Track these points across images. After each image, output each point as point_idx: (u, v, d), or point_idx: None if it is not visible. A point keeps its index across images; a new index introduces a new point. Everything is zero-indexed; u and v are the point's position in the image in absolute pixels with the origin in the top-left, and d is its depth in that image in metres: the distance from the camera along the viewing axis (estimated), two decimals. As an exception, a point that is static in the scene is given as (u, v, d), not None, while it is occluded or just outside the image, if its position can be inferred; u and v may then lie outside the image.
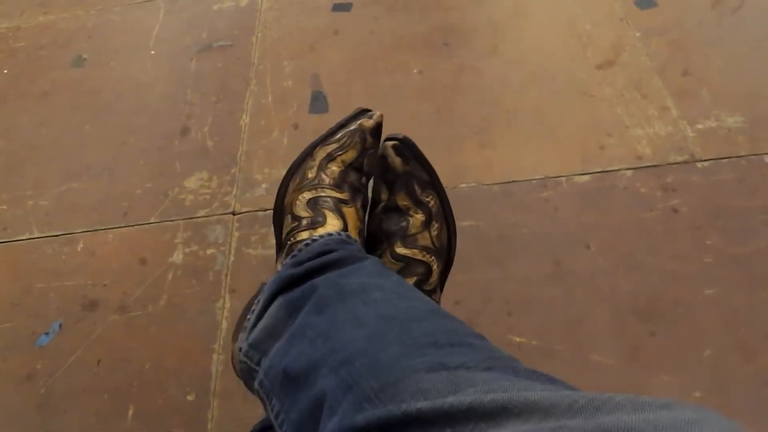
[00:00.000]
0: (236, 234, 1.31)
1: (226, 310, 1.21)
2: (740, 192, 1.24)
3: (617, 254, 1.19)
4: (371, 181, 0.92)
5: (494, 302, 1.16)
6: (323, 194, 0.85)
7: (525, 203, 1.28)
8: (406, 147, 0.87)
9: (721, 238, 1.19)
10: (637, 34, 1.55)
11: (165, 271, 1.28)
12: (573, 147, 1.35)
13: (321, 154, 0.88)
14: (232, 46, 1.71)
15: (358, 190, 0.87)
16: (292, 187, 0.89)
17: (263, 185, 1.38)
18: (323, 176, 0.86)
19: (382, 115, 0.90)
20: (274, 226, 0.89)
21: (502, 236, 1.24)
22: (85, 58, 1.75)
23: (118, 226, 1.36)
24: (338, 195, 0.85)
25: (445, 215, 0.90)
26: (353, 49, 1.65)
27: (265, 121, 1.50)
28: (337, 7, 1.75)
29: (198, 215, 1.35)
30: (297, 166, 0.91)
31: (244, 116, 1.52)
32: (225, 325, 1.18)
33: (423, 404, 0.50)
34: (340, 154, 0.87)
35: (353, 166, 0.87)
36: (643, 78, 1.45)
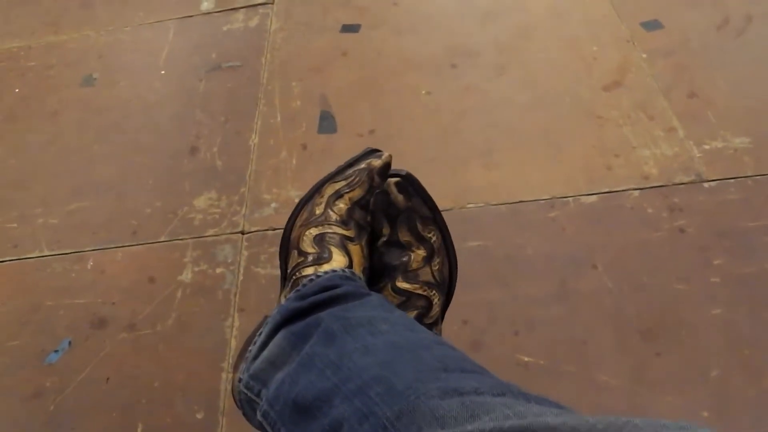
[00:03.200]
0: (245, 253, 1.32)
1: (235, 328, 1.21)
2: (746, 212, 1.25)
3: (623, 274, 1.19)
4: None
5: (501, 322, 1.16)
6: (330, 231, 0.85)
7: (532, 223, 1.29)
8: (408, 183, 0.88)
9: (727, 258, 1.19)
10: (643, 56, 1.56)
11: (174, 290, 1.28)
12: (580, 167, 1.36)
13: (329, 191, 0.89)
14: (242, 67, 1.72)
15: (363, 228, 0.88)
16: (299, 222, 0.89)
17: (272, 205, 1.39)
18: (330, 213, 0.87)
19: (390, 156, 0.90)
20: (280, 260, 0.90)
21: (509, 256, 1.25)
22: (95, 78, 1.77)
23: (127, 244, 1.37)
24: (344, 232, 0.85)
25: (446, 249, 0.91)
26: (361, 70, 1.66)
27: (273, 141, 1.52)
28: (345, 29, 1.77)
29: (207, 234, 1.36)
30: (305, 202, 0.91)
31: (253, 136, 1.53)
32: (234, 344, 1.19)
33: None
34: (348, 192, 0.88)
35: (360, 204, 0.88)
36: (649, 99, 1.46)
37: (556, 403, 0.55)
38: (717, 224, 1.24)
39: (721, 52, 1.54)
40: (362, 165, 0.90)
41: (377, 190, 0.88)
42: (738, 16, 1.61)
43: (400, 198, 0.88)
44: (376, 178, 0.88)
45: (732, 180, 1.30)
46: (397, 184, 0.88)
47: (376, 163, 0.89)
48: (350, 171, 0.90)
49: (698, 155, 1.34)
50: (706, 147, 1.36)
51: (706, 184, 1.30)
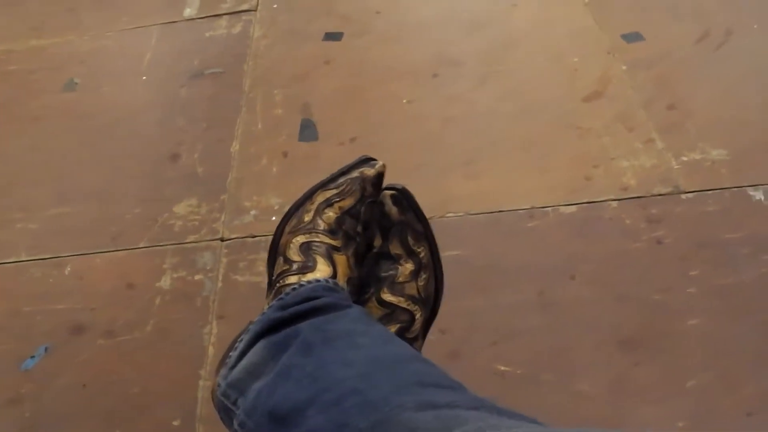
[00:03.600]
0: (224, 260, 1.32)
1: (214, 336, 1.21)
2: (724, 224, 1.26)
3: (602, 285, 1.20)
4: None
5: (480, 331, 1.16)
6: (317, 239, 0.85)
7: (511, 233, 1.29)
8: (404, 197, 0.88)
9: (705, 269, 1.20)
10: (624, 68, 1.57)
11: (153, 296, 1.28)
12: (560, 178, 1.37)
13: (320, 198, 0.89)
14: (224, 74, 1.72)
15: (352, 238, 0.88)
16: (288, 228, 0.89)
17: (252, 212, 1.39)
18: (319, 221, 0.87)
19: (384, 165, 0.91)
20: (268, 265, 0.90)
21: (488, 265, 1.25)
22: (77, 83, 1.76)
23: (106, 250, 1.37)
24: (331, 241, 0.85)
25: (434, 267, 0.91)
26: (344, 78, 1.66)
27: (254, 148, 1.51)
28: (328, 36, 1.77)
29: (187, 241, 1.36)
30: (296, 208, 0.91)
31: (234, 143, 1.53)
32: (212, 351, 1.18)
33: None
34: (338, 201, 0.88)
35: (350, 213, 0.88)
36: (629, 110, 1.47)
37: (530, 418, 0.55)
38: (695, 236, 1.25)
39: (700, 65, 1.55)
40: (355, 174, 0.90)
41: (369, 200, 0.89)
42: (718, 29, 1.62)
43: (394, 210, 0.88)
44: (368, 188, 0.88)
45: (710, 192, 1.31)
46: (392, 196, 0.88)
47: (369, 172, 0.89)
48: (343, 179, 0.90)
49: (676, 167, 1.35)
50: (685, 159, 1.37)
51: (684, 196, 1.31)
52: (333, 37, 1.77)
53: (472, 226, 1.31)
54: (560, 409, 1.07)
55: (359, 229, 0.88)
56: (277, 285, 0.83)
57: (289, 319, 0.75)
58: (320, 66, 1.70)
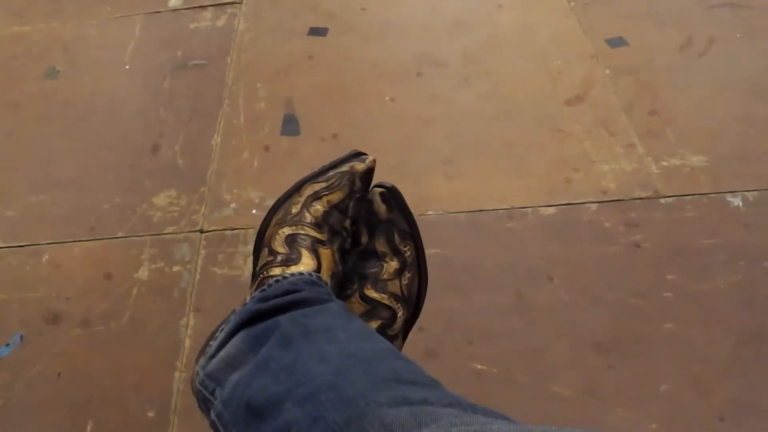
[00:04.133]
0: (203, 252, 1.31)
1: (190, 328, 1.20)
2: (701, 230, 1.27)
3: (579, 287, 1.21)
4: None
5: (456, 330, 1.17)
6: (302, 232, 0.85)
7: (490, 233, 1.30)
8: (392, 196, 0.88)
9: (681, 274, 1.21)
10: (607, 72, 1.58)
11: (130, 287, 1.27)
12: (540, 180, 1.38)
13: (308, 191, 0.89)
14: (207, 66, 1.72)
15: (338, 233, 0.88)
16: (275, 220, 0.89)
17: (232, 205, 1.38)
18: (306, 214, 0.87)
19: (374, 160, 0.91)
20: (254, 255, 0.90)
21: (467, 266, 1.25)
22: (58, 71, 1.75)
23: (84, 239, 1.36)
24: (317, 235, 0.86)
25: (419, 267, 0.91)
26: (327, 74, 1.66)
27: (236, 141, 1.51)
28: (313, 32, 1.77)
29: (165, 232, 1.35)
30: (284, 200, 0.91)
31: (215, 136, 1.53)
32: (188, 343, 1.18)
33: None
34: (327, 194, 0.88)
35: (338, 208, 0.88)
36: (610, 115, 1.48)
37: (503, 415, 0.56)
38: (672, 240, 1.26)
39: (683, 71, 1.56)
40: (345, 168, 0.90)
41: (357, 195, 0.89)
42: (701, 37, 1.64)
43: (382, 208, 0.88)
44: (358, 183, 0.88)
45: (688, 197, 1.32)
46: (381, 194, 0.88)
47: (359, 167, 0.89)
48: (332, 173, 0.90)
49: (656, 171, 1.36)
50: (665, 164, 1.38)
51: (662, 200, 1.32)
52: (318, 32, 1.77)
53: (452, 225, 1.31)
54: (534, 409, 1.07)
55: (347, 224, 0.89)
56: (261, 276, 0.83)
57: (269, 311, 0.75)
58: (304, 61, 1.70)
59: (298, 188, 0.91)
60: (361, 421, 0.53)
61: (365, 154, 0.92)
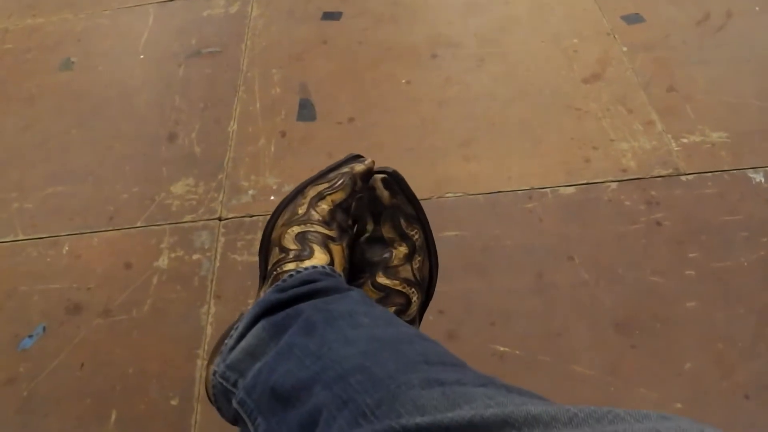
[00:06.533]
0: (222, 239, 1.31)
1: (211, 315, 1.21)
2: (722, 207, 1.26)
3: (600, 267, 1.20)
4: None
5: (477, 312, 1.16)
6: (312, 229, 0.85)
7: (510, 214, 1.29)
8: (394, 181, 0.88)
9: (703, 252, 1.20)
10: (624, 49, 1.56)
11: (150, 276, 1.28)
12: (558, 159, 1.37)
13: (312, 192, 0.89)
14: (221, 53, 1.71)
15: (345, 231, 0.88)
16: (281, 222, 0.89)
17: (250, 192, 1.38)
18: (313, 213, 0.87)
19: (373, 162, 0.91)
20: (260, 258, 0.90)
21: (487, 247, 1.25)
22: (73, 62, 1.75)
23: (103, 229, 1.36)
24: (327, 232, 0.86)
25: (428, 249, 0.91)
26: (342, 58, 1.65)
27: (252, 128, 1.51)
28: (327, 16, 1.76)
29: (184, 220, 1.36)
30: (288, 203, 0.91)
31: (231, 123, 1.53)
32: (209, 331, 1.18)
33: (421, 420, 0.49)
34: (330, 194, 0.88)
35: (342, 207, 0.88)
36: (628, 92, 1.47)
37: (537, 395, 0.55)
38: (693, 218, 1.25)
39: (700, 47, 1.55)
40: (345, 169, 0.90)
41: (359, 194, 0.89)
42: (718, 11, 1.62)
43: (385, 194, 0.88)
44: (359, 182, 0.89)
45: (709, 174, 1.30)
46: (383, 180, 0.88)
47: (359, 168, 0.89)
48: (333, 174, 0.90)
49: (676, 149, 1.35)
50: (684, 141, 1.36)
51: (683, 178, 1.30)
52: (331, 16, 1.76)
53: (471, 206, 1.31)
54: (557, 390, 1.07)
55: (350, 222, 0.89)
56: (275, 273, 0.83)
57: (288, 300, 0.74)
58: (318, 45, 1.69)
59: (300, 191, 0.91)
60: (393, 402, 0.53)
61: (363, 156, 0.92)
